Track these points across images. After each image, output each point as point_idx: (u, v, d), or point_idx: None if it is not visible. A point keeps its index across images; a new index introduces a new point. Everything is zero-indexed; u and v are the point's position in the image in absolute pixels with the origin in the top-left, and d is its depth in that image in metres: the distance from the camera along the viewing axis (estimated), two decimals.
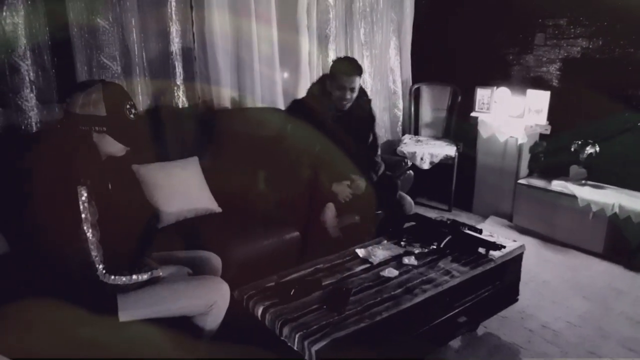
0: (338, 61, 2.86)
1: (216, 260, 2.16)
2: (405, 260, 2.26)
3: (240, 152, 2.96)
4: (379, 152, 3.05)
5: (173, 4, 2.93)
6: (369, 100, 3.01)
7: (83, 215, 1.62)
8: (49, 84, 2.59)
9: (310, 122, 2.71)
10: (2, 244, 1.97)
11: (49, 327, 1.59)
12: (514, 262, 2.45)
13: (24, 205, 1.66)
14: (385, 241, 2.49)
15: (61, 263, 1.66)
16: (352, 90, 2.75)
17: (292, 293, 1.93)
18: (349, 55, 3.96)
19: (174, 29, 2.97)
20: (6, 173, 2.09)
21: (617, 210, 3.25)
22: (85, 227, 1.62)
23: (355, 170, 2.81)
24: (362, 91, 2.94)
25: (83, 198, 1.62)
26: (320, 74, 2.96)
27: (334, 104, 2.79)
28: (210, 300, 1.86)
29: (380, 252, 2.34)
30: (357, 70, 2.76)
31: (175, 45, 2.99)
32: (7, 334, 1.57)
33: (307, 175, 2.72)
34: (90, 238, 1.63)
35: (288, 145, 2.75)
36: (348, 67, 2.77)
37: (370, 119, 3.00)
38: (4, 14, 2.38)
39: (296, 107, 2.89)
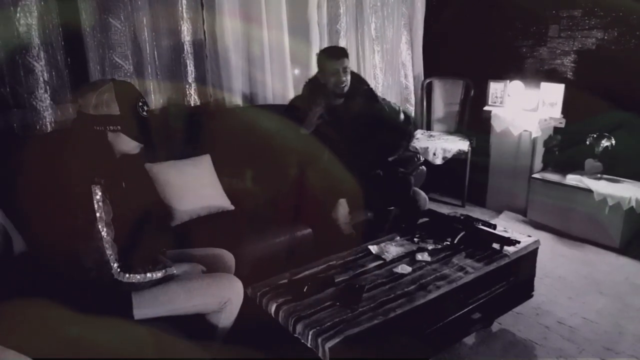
0: (321, 52, 2.95)
1: (229, 258, 2.17)
2: (419, 256, 2.25)
3: (252, 149, 2.96)
4: (401, 116, 2.96)
5: (184, 2, 2.94)
6: (370, 88, 3.00)
7: (98, 214, 1.63)
8: (62, 83, 2.62)
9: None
10: (19, 243, 2.00)
11: (37, 327, 1.57)
12: (529, 257, 2.43)
13: (40, 205, 1.68)
14: (398, 237, 2.48)
15: (76, 262, 1.67)
16: (345, 70, 2.79)
17: (305, 290, 1.94)
18: (360, 50, 3.96)
19: (185, 28, 2.98)
20: (22, 173, 2.11)
21: (633, 204, 3.21)
22: (100, 226, 1.64)
23: (344, 171, 2.73)
24: (359, 79, 2.95)
25: (97, 197, 1.64)
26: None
27: (332, 93, 2.81)
28: (223, 297, 1.87)
29: (393, 249, 2.34)
30: (342, 51, 2.87)
31: (187, 44, 3.00)
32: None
33: (294, 174, 2.75)
34: (105, 237, 1.64)
35: (275, 144, 2.78)
36: (332, 51, 2.91)
37: (372, 101, 2.94)
38: (18, 15, 2.40)
39: (297, 104, 2.92)
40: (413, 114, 4.48)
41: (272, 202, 2.75)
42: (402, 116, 2.91)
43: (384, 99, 3.04)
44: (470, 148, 4.07)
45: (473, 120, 4.25)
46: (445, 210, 3.93)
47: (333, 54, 2.84)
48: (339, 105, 2.86)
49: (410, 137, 3.12)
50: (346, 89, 2.82)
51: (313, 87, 2.90)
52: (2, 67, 2.43)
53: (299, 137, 2.76)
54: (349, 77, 2.83)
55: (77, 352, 1.53)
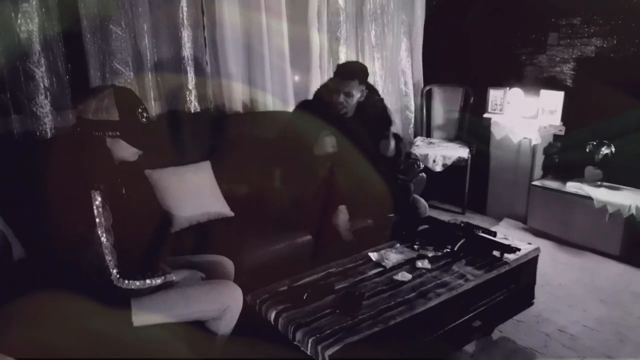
0: (339, 65, 2.84)
1: (229, 265, 2.16)
2: (419, 263, 2.24)
3: (252, 156, 2.96)
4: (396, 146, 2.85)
5: (184, 9, 2.95)
6: (382, 99, 2.95)
7: (97, 220, 1.63)
8: (62, 90, 2.62)
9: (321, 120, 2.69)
10: (18, 249, 1.99)
11: (58, 320, 1.60)
12: (529, 265, 2.42)
13: (39, 211, 1.68)
14: (399, 244, 2.48)
15: (75, 268, 1.67)
16: (348, 95, 2.67)
17: (304, 297, 1.93)
18: (360, 57, 3.96)
19: (186, 34, 2.99)
20: (21, 179, 2.11)
21: (633, 211, 3.20)
22: (99, 232, 1.63)
23: (372, 171, 2.69)
24: (373, 90, 2.91)
25: (97, 202, 1.63)
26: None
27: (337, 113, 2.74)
28: (223, 304, 1.86)
29: (393, 256, 2.33)
30: (353, 74, 2.68)
31: (187, 51, 3.00)
32: (14, 328, 1.58)
33: (322, 175, 2.69)
34: (104, 242, 1.64)
35: (302, 144, 2.69)
36: (345, 70, 2.72)
37: (385, 119, 2.85)
38: (19, 21, 2.41)
39: (305, 106, 2.88)
40: (412, 125, 4.49)
41: (298, 204, 2.69)
42: (391, 148, 2.75)
43: (389, 111, 2.97)
44: (470, 155, 4.07)
45: (473, 127, 4.25)
46: (445, 217, 3.90)
47: (341, 72, 2.70)
48: (348, 118, 2.78)
49: (398, 167, 2.99)
50: (343, 112, 2.71)
51: (323, 99, 2.80)
52: (3, 73, 2.43)
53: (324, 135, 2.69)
54: (351, 101, 2.68)
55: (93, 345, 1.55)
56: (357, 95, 2.71)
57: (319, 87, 2.96)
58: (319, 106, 2.79)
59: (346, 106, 2.72)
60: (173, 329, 1.77)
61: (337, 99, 2.69)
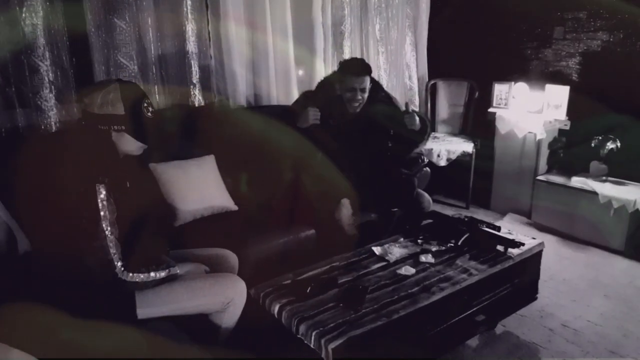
0: (346, 62, 2.86)
1: (233, 258, 2.17)
2: (422, 258, 2.24)
3: (256, 150, 2.96)
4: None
5: (189, 3, 2.95)
6: (387, 94, 2.97)
7: (102, 213, 1.64)
8: (67, 83, 2.62)
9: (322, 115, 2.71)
10: (23, 242, 2.00)
11: (28, 332, 1.52)
12: (533, 259, 2.42)
13: (44, 204, 1.68)
14: (402, 239, 2.48)
15: (80, 261, 1.68)
16: (363, 90, 2.73)
17: (308, 291, 1.93)
18: (364, 51, 3.95)
19: (190, 28, 2.98)
20: (27, 172, 2.12)
21: (638, 206, 3.19)
22: (104, 225, 1.64)
23: (339, 176, 2.69)
24: (379, 86, 2.91)
25: (102, 196, 1.64)
26: (330, 73, 2.97)
27: (345, 108, 2.77)
28: (227, 298, 1.87)
29: (396, 250, 2.33)
30: (366, 69, 2.75)
31: (191, 44, 3.00)
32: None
33: (289, 178, 2.74)
34: (109, 236, 1.65)
35: (270, 148, 2.76)
36: (356, 67, 2.76)
37: (392, 111, 2.88)
38: (24, 15, 2.41)
39: (306, 100, 2.88)
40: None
41: (268, 205, 2.75)
42: (417, 121, 2.78)
43: (395, 100, 2.99)
44: (474, 150, 4.06)
45: (477, 122, 4.24)
46: (449, 211, 3.91)
47: (354, 70, 2.73)
48: (354, 113, 2.81)
49: (428, 138, 3.04)
50: (359, 108, 2.77)
51: (327, 92, 2.83)
52: (8, 67, 2.43)
53: (295, 140, 2.71)
54: (365, 96, 2.76)
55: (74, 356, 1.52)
56: (368, 88, 2.77)
57: (322, 79, 2.97)
58: (322, 99, 2.80)
59: (361, 101, 2.76)
60: (177, 323, 1.78)
61: (355, 97, 2.73)
